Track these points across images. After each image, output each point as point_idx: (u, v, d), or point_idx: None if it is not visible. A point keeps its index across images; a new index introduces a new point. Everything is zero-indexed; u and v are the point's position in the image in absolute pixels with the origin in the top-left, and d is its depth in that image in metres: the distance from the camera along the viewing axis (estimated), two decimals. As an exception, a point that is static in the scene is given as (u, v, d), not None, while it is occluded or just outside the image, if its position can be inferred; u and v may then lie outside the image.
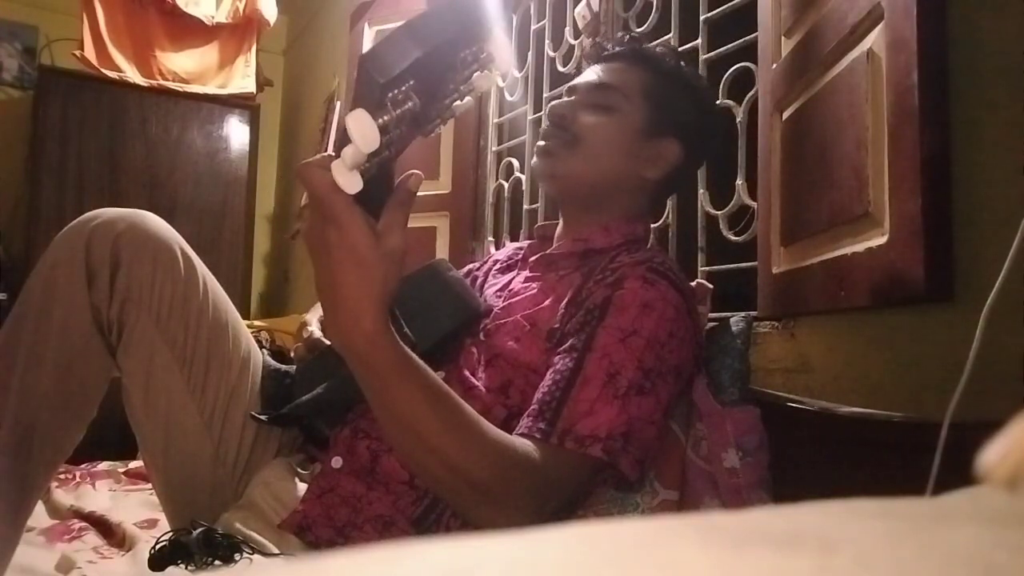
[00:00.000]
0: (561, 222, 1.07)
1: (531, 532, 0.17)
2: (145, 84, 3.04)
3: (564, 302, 0.90)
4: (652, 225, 1.12)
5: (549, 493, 0.74)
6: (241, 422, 0.99)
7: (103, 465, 2.06)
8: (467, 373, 0.92)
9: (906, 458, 0.79)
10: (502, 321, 0.94)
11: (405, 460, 0.83)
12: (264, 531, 0.86)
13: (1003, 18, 0.80)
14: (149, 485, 1.54)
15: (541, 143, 1.01)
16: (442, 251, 2.21)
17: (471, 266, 1.23)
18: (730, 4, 1.40)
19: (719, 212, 1.35)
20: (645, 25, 1.59)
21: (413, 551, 0.16)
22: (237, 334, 1.03)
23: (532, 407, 0.79)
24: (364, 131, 0.52)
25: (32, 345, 0.91)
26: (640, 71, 1.02)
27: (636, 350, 0.80)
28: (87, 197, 2.86)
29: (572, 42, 1.85)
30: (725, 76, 1.36)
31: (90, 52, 2.93)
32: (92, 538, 1.44)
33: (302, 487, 0.91)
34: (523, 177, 2.02)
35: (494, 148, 2.21)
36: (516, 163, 2.08)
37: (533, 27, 2.05)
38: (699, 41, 1.48)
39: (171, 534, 0.78)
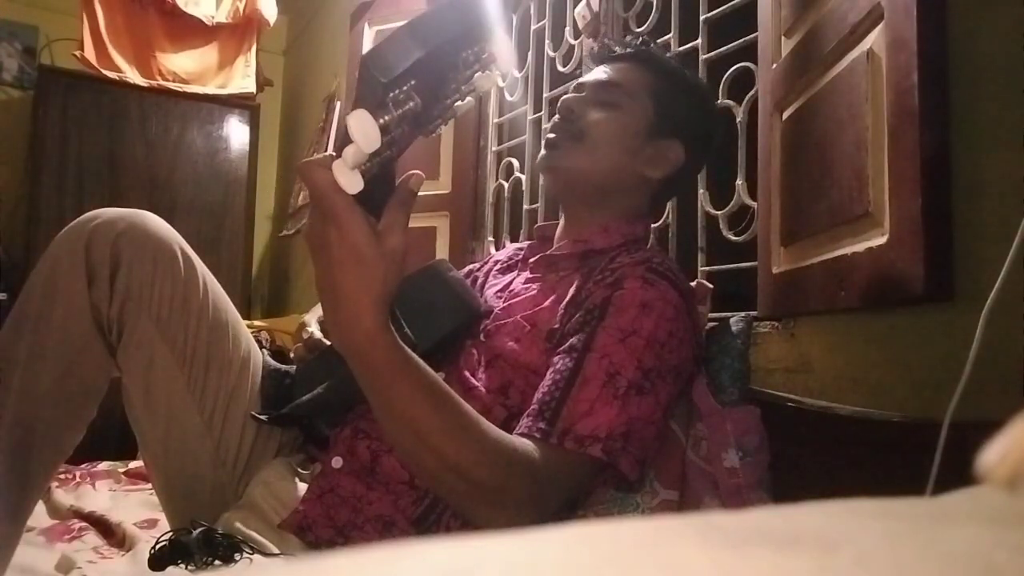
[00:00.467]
0: (561, 222, 1.07)
1: (531, 532, 0.17)
2: (145, 84, 3.04)
3: (564, 303, 0.90)
4: (652, 225, 1.12)
5: (549, 493, 0.74)
6: (241, 422, 0.99)
7: (103, 465, 2.06)
8: (467, 374, 0.92)
9: (906, 458, 0.79)
10: (502, 322, 0.95)
11: (405, 460, 0.83)
12: (264, 531, 0.86)
13: (1003, 18, 0.80)
14: (149, 485, 1.54)
15: (549, 135, 1.02)
16: (442, 251, 2.21)
17: (471, 266, 1.23)
18: (730, 4, 1.40)
19: (719, 212, 1.35)
20: (645, 25, 1.59)
21: (413, 551, 0.16)
22: (237, 334, 1.03)
23: (532, 407, 0.79)
24: (366, 131, 0.52)
25: (32, 345, 0.91)
26: (648, 72, 1.03)
27: (636, 350, 0.80)
28: (87, 197, 2.86)
29: (572, 42, 1.85)
30: (725, 76, 1.36)
31: (90, 52, 2.93)
32: (92, 538, 1.44)
33: (302, 487, 0.91)
34: (523, 177, 2.02)
35: (494, 148, 2.21)
36: (516, 163, 2.08)
37: (533, 27, 2.05)
38: (699, 41, 1.47)
39: (171, 534, 0.78)
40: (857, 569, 0.14)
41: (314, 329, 1.00)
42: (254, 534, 0.85)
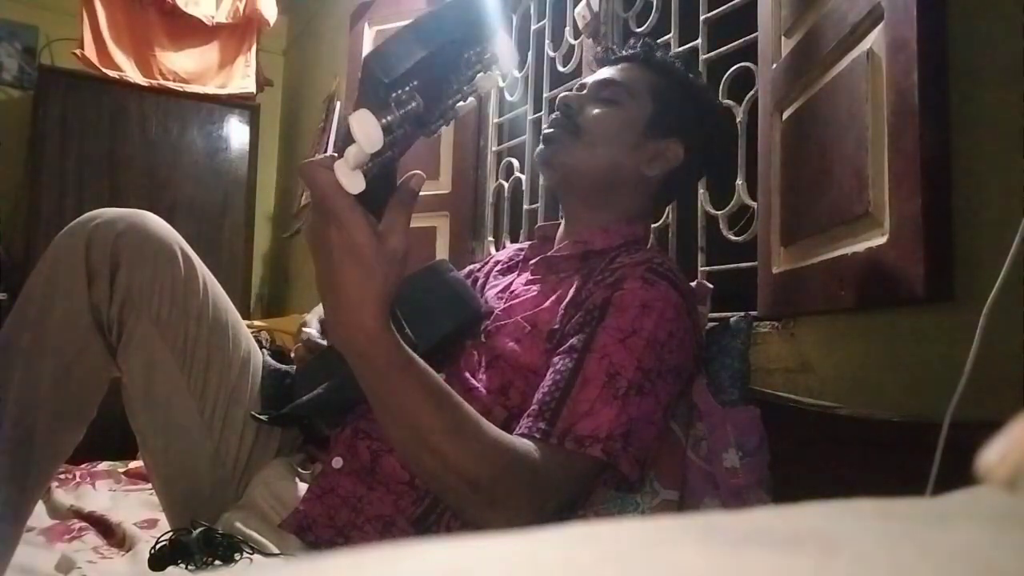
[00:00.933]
0: (562, 222, 1.07)
1: (531, 532, 0.17)
2: (145, 84, 3.04)
3: (564, 303, 0.90)
4: (652, 225, 1.12)
5: (549, 493, 0.74)
6: (241, 422, 0.99)
7: (103, 465, 2.06)
8: (467, 374, 0.92)
9: (906, 458, 0.79)
10: (503, 323, 0.95)
11: (405, 460, 0.83)
12: (264, 531, 0.86)
13: (1003, 18, 0.80)
14: (149, 485, 1.54)
15: (547, 130, 1.02)
16: (442, 251, 2.21)
17: (472, 267, 1.23)
18: (730, 4, 1.40)
19: (719, 212, 1.35)
20: (645, 25, 1.59)
21: (413, 551, 0.16)
22: (237, 334, 1.03)
23: (532, 407, 0.79)
24: (368, 131, 0.52)
25: (32, 345, 0.91)
26: (650, 72, 1.04)
27: (636, 350, 0.80)
28: (87, 197, 2.86)
29: (572, 42, 1.85)
30: (725, 76, 1.36)
31: (90, 52, 2.93)
32: (92, 538, 1.44)
33: (302, 487, 0.91)
34: (523, 177, 2.02)
35: (494, 148, 2.21)
36: (516, 163, 2.08)
37: (533, 27, 2.05)
38: (699, 41, 1.48)
39: (171, 534, 0.78)
40: (857, 569, 0.14)
41: (312, 330, 1.00)
42: (254, 534, 0.85)
